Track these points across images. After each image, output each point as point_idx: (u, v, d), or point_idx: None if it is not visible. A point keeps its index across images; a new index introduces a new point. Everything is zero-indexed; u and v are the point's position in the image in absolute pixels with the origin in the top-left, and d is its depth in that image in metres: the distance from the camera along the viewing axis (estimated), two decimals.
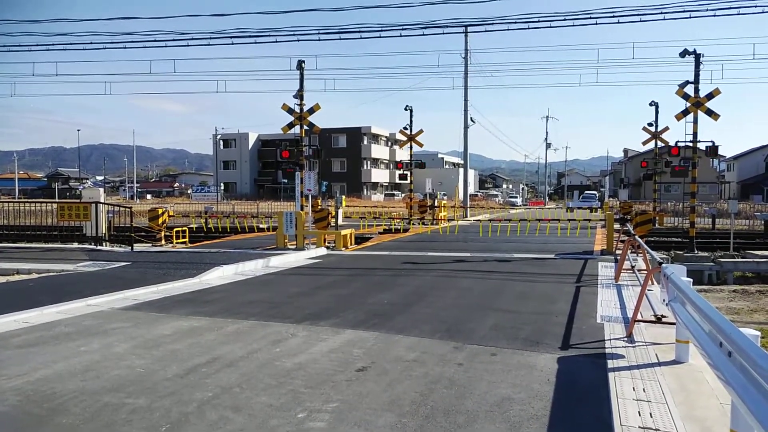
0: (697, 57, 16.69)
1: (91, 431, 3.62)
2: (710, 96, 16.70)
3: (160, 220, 17.08)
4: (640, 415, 3.90)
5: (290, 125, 16.58)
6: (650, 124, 27.34)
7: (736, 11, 15.83)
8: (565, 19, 17.83)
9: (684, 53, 16.63)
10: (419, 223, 25.42)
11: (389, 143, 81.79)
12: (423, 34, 18.36)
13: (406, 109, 27.69)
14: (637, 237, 10.99)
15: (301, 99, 16.36)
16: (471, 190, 50.79)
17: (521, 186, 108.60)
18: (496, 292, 8.82)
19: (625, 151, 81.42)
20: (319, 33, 18.59)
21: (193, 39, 19.43)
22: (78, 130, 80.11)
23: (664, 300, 5.71)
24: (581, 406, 4.09)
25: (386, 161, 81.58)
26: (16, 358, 5.23)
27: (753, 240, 22.87)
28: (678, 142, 17.97)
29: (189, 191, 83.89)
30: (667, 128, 27.43)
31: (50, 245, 15.95)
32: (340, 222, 21.61)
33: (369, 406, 4.02)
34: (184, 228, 18.30)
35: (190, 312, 7.29)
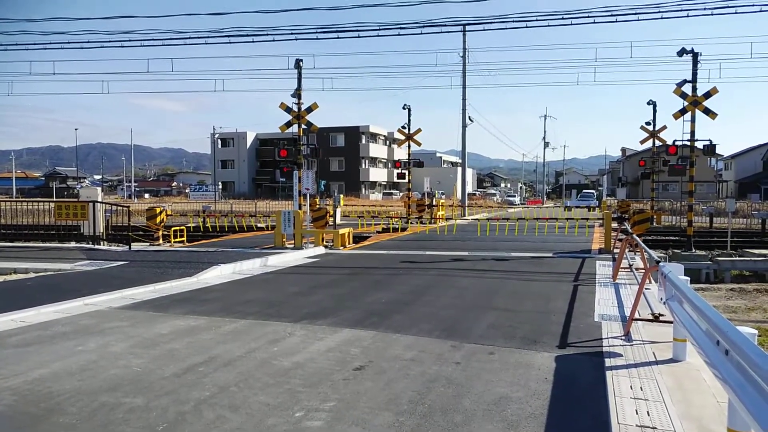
0: (695, 56, 16.70)
1: (88, 431, 3.61)
2: (708, 95, 16.71)
3: (158, 219, 17.05)
4: (637, 413, 3.90)
5: (288, 124, 16.57)
6: (648, 123, 27.41)
7: (734, 10, 15.85)
8: (563, 18, 17.83)
9: (682, 52, 16.65)
10: (417, 222, 25.43)
11: (387, 142, 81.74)
12: (421, 33, 18.36)
13: (404, 108, 27.63)
14: (634, 236, 11.01)
15: (299, 98, 16.34)
16: (469, 189, 50.77)
17: (519, 185, 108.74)
18: (494, 291, 8.82)
19: (623, 150, 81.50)
20: (317, 32, 18.58)
21: (190, 38, 19.43)
22: (76, 130, 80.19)
23: (661, 298, 5.72)
24: (579, 404, 4.10)
25: (384, 160, 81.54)
26: (13, 357, 5.21)
27: (750, 238, 22.93)
28: (676, 140, 17.99)
29: (187, 190, 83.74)
30: (664, 127, 27.53)
31: (48, 244, 15.91)
32: (338, 221, 21.61)
33: (366, 405, 4.01)
34: (181, 227, 18.27)
35: (188, 311, 7.28)
